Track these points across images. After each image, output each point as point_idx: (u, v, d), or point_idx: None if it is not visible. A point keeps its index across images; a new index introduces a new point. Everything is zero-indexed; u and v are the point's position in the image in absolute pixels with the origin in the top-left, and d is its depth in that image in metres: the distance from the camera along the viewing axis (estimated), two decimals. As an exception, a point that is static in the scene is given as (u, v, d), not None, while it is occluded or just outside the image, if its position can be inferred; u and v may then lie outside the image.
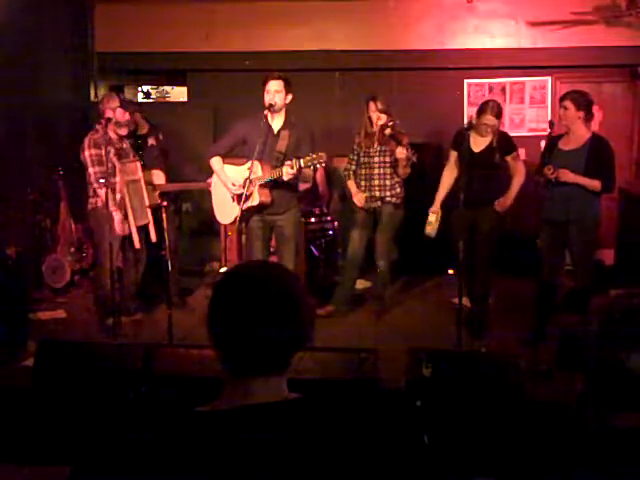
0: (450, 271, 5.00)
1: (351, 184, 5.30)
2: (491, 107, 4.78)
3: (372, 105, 5.09)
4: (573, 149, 4.42)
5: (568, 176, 4.33)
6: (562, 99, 4.47)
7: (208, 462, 1.11)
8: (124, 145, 5.04)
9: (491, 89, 7.13)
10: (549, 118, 6.39)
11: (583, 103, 4.38)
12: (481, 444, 2.51)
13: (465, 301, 4.65)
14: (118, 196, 4.82)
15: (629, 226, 5.94)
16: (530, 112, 7.11)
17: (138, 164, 5.06)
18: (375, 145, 5.13)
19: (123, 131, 4.96)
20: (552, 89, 7.05)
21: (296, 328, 1.26)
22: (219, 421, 1.17)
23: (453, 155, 5.04)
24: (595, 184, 4.34)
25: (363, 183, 5.22)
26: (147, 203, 5.01)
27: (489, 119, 4.75)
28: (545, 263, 4.63)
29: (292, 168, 4.24)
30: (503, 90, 7.13)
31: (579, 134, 4.42)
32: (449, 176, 5.07)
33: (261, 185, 4.42)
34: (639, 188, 6.21)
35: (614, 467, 1.29)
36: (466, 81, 7.09)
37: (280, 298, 1.25)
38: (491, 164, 4.81)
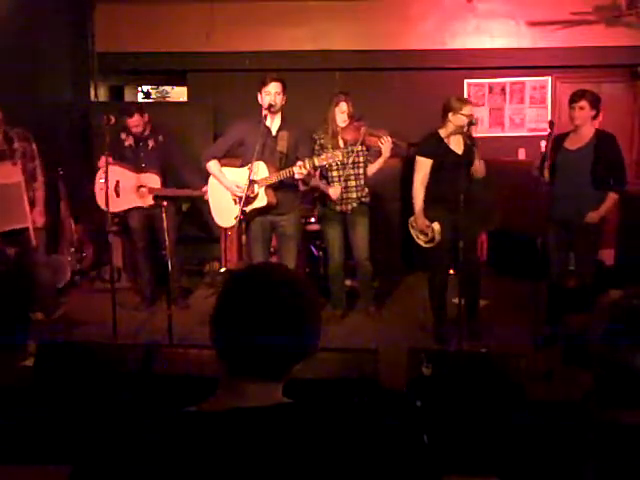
0: (450, 271, 4.96)
1: (321, 182, 5.04)
2: (464, 100, 4.62)
3: (343, 103, 4.89)
4: (579, 148, 4.39)
5: (595, 219, 4.34)
6: (576, 99, 4.34)
7: (192, 463, 1.10)
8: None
9: (491, 89, 7.14)
10: (549, 118, 6.39)
11: (595, 102, 4.34)
12: (481, 444, 2.51)
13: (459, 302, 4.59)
14: None
15: (629, 226, 5.93)
16: (530, 112, 7.11)
17: (16, 166, 4.75)
18: (343, 145, 4.91)
19: None
20: (552, 89, 7.06)
21: (302, 338, 1.23)
22: (205, 422, 1.16)
23: (427, 163, 4.61)
24: (614, 197, 4.36)
25: (337, 185, 4.96)
26: (26, 206, 4.74)
27: (469, 110, 4.48)
28: (553, 264, 4.50)
29: (304, 167, 4.25)
30: (503, 90, 7.13)
31: (585, 133, 4.38)
32: (423, 187, 4.65)
33: (267, 186, 4.43)
34: (639, 188, 6.20)
35: (617, 464, 1.29)
36: (466, 81, 7.10)
37: (291, 305, 1.22)
38: (472, 163, 4.60)
